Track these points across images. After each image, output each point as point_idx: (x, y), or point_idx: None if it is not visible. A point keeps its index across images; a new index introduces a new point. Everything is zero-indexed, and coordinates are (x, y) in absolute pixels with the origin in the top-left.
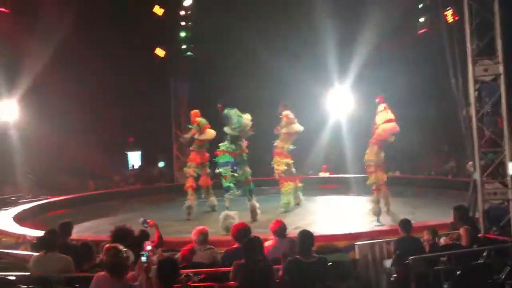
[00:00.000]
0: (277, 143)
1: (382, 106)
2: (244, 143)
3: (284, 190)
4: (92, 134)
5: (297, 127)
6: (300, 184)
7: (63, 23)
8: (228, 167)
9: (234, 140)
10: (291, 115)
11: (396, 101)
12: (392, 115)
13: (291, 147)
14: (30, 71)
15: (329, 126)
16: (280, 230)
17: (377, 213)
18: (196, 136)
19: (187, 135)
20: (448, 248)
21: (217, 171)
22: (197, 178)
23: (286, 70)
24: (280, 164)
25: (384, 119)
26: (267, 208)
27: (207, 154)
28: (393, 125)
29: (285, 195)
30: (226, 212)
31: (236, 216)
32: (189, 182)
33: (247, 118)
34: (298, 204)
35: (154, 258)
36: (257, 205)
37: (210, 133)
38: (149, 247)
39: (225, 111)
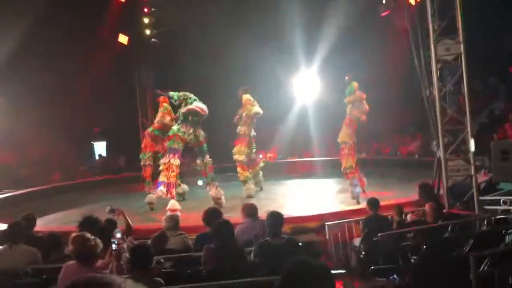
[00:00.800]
0: (239, 129)
1: (353, 85)
2: (201, 132)
3: (243, 179)
4: (57, 125)
5: (256, 109)
6: (261, 164)
7: (23, 14)
8: (172, 156)
9: (188, 123)
10: (250, 99)
11: (362, 83)
12: (363, 94)
13: (253, 132)
14: None
15: (296, 110)
16: (251, 211)
17: (355, 196)
18: (158, 120)
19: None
20: (414, 224)
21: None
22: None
23: (253, 55)
24: (240, 153)
25: (356, 97)
26: (235, 193)
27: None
28: (364, 103)
29: (245, 183)
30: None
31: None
32: (147, 171)
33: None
34: (261, 188)
35: (125, 245)
36: (222, 192)
37: (167, 119)
38: (118, 235)
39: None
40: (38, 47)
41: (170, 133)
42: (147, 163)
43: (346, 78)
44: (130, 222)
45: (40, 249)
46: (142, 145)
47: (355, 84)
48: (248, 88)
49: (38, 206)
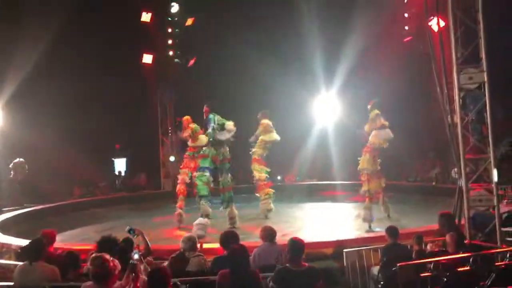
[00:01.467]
0: (254, 150)
1: (374, 112)
2: (226, 150)
3: (264, 197)
4: (78, 141)
5: (275, 136)
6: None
7: (49, 30)
8: (205, 173)
9: (216, 145)
10: (270, 124)
11: (382, 108)
12: (386, 121)
13: (265, 154)
14: (15, 77)
15: (316, 133)
16: (268, 235)
17: (368, 220)
18: (189, 143)
19: (182, 135)
20: (434, 255)
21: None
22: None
23: (274, 77)
24: (261, 172)
25: (377, 125)
26: (250, 214)
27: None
28: (387, 131)
29: (264, 202)
30: (199, 220)
31: (208, 223)
32: (181, 188)
33: (230, 124)
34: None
35: (142, 267)
36: (236, 212)
37: (203, 139)
38: (136, 256)
39: (209, 115)
40: (63, 63)
41: (202, 152)
42: (183, 180)
43: (369, 106)
44: (149, 243)
45: (59, 267)
46: (182, 166)
47: (375, 112)
48: (268, 112)
49: (58, 221)
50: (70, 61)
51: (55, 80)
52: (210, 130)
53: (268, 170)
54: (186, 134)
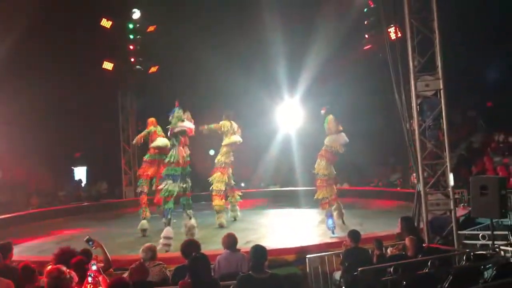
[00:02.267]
0: (217, 159)
1: (330, 117)
2: (185, 152)
3: (218, 208)
4: (36, 149)
5: (235, 138)
6: (238, 196)
7: (5, 37)
8: (170, 182)
9: (175, 146)
10: (231, 127)
11: (343, 115)
12: (340, 126)
13: (231, 159)
14: None
15: (279, 139)
16: (231, 242)
17: (331, 228)
18: (151, 145)
19: (136, 139)
20: (394, 259)
21: (160, 187)
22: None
23: (237, 83)
24: (220, 182)
25: (334, 130)
26: (209, 223)
27: (162, 167)
28: (342, 135)
29: (218, 212)
30: (188, 222)
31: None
32: (143, 198)
33: (188, 122)
34: (235, 218)
35: (100, 278)
36: (195, 223)
37: (162, 141)
38: (94, 267)
39: (175, 108)
40: (20, 69)
41: (166, 160)
42: (144, 190)
43: (322, 111)
44: (109, 256)
45: (14, 281)
46: (140, 171)
47: (330, 117)
48: (231, 114)
49: (15, 232)
50: (27, 67)
51: (11, 87)
52: (170, 119)
53: (233, 175)
54: (138, 137)
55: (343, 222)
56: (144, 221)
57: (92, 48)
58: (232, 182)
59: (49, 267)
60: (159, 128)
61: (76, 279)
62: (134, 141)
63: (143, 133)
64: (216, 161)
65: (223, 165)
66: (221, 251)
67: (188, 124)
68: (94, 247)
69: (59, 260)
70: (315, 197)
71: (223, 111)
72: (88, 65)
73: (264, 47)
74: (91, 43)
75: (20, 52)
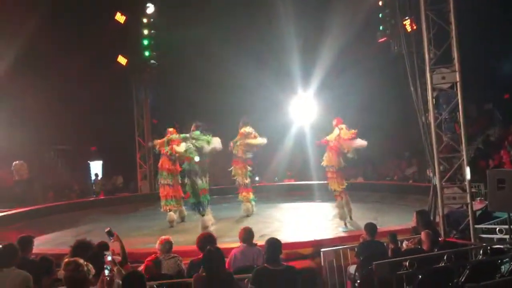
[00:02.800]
0: (235, 152)
1: (337, 130)
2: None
3: (244, 198)
4: (53, 144)
5: (260, 140)
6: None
7: (23, 32)
8: (195, 178)
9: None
10: (250, 132)
11: (358, 108)
12: (352, 131)
13: (249, 155)
14: None
15: (293, 133)
16: (247, 236)
17: (343, 217)
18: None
19: (155, 143)
20: (410, 253)
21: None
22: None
23: (251, 78)
24: (241, 175)
25: (347, 136)
26: (228, 216)
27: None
28: (360, 141)
29: (245, 202)
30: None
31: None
32: (163, 191)
33: (216, 141)
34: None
35: (115, 269)
36: (211, 220)
37: (183, 147)
38: (109, 258)
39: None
40: (35, 64)
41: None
42: (164, 182)
43: (334, 122)
44: (126, 252)
45: (32, 273)
46: (159, 165)
47: (339, 132)
48: (247, 119)
49: (32, 225)
50: (44, 62)
51: (29, 82)
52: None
53: (249, 169)
54: (157, 142)
55: (350, 217)
56: (171, 213)
57: (107, 43)
58: (248, 179)
59: (66, 259)
60: (174, 136)
61: (93, 271)
62: (151, 144)
63: (162, 141)
64: (234, 152)
65: (239, 159)
66: (237, 244)
67: (216, 144)
68: (112, 240)
69: (75, 252)
70: (330, 188)
71: (236, 109)
72: (103, 59)
73: (278, 40)
74: (106, 38)
75: (35, 47)
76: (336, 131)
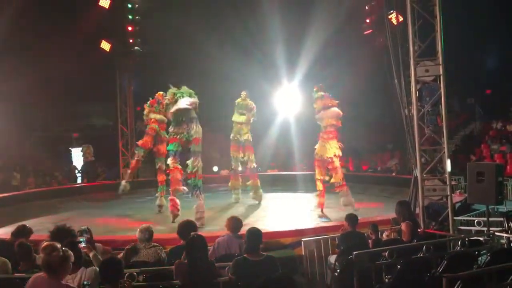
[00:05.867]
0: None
1: (319, 94)
2: (193, 129)
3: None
4: (34, 129)
5: (239, 118)
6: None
7: (2, 15)
8: (198, 158)
9: (178, 123)
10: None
11: (342, 100)
12: (334, 101)
13: (245, 138)
14: None
15: (277, 124)
16: (233, 226)
17: (352, 203)
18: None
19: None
20: (390, 243)
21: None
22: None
23: (236, 67)
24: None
25: (322, 105)
26: (214, 205)
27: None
28: (333, 109)
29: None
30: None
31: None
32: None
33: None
34: (259, 202)
35: (91, 255)
36: (204, 207)
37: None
38: (83, 244)
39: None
40: (17, 49)
41: (168, 136)
42: (139, 158)
43: (314, 89)
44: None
45: (10, 259)
46: (142, 142)
47: (319, 94)
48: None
49: (12, 211)
50: (25, 47)
51: (9, 66)
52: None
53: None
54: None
55: (321, 211)
56: (162, 198)
57: (90, 28)
58: (254, 165)
59: (45, 243)
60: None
61: (72, 258)
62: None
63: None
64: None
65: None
66: (220, 233)
67: (186, 100)
68: (82, 241)
69: (54, 237)
70: (331, 181)
71: (220, 99)
72: (87, 45)
73: (263, 30)
74: (89, 23)
75: (17, 30)
76: (318, 96)
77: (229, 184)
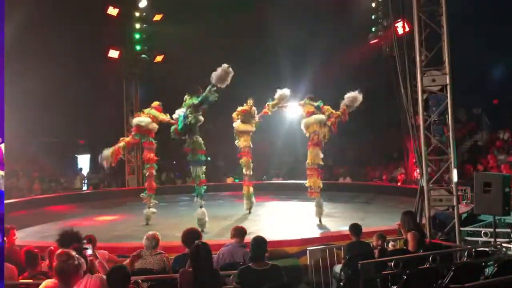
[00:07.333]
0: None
1: (304, 101)
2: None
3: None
4: (41, 135)
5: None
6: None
7: (12, 22)
8: (199, 168)
9: (191, 133)
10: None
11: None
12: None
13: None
14: None
15: (283, 133)
16: (238, 235)
17: (322, 214)
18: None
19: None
20: (396, 253)
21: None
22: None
23: (240, 76)
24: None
25: (306, 111)
26: (217, 214)
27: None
28: (315, 116)
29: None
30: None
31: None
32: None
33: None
34: (249, 210)
35: (96, 263)
36: (204, 213)
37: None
38: (89, 251)
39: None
40: (25, 56)
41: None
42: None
43: (305, 98)
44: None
45: (17, 265)
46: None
47: (305, 102)
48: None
49: (17, 218)
50: (33, 54)
51: (17, 73)
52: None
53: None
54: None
55: (320, 221)
56: (150, 209)
57: (98, 36)
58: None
59: (59, 250)
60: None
61: (84, 266)
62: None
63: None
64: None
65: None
66: (224, 241)
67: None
68: (87, 252)
69: (61, 241)
70: (306, 184)
71: (225, 107)
72: (94, 53)
73: (270, 40)
74: (98, 31)
75: (26, 38)
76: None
77: (243, 191)
